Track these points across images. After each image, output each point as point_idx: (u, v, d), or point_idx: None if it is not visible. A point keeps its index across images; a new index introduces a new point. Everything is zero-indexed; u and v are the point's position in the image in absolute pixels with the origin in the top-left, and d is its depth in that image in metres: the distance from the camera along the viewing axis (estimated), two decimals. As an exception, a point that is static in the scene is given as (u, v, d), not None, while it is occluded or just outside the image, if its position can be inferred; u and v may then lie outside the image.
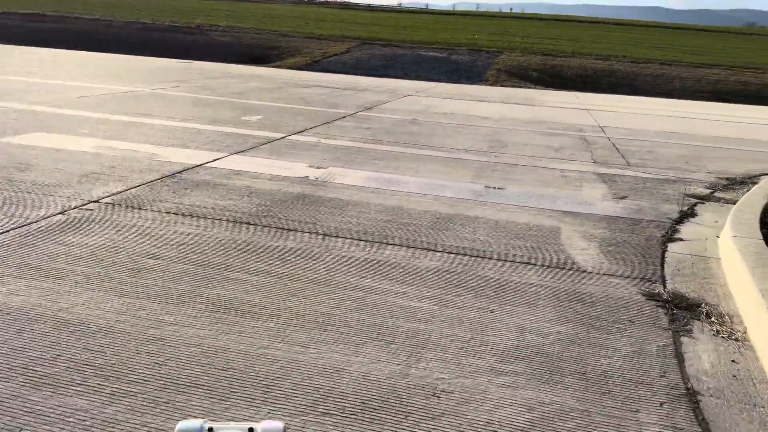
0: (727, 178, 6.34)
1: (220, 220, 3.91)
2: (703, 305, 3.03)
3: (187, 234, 3.60)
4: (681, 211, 4.91)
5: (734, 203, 5.20)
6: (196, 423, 0.94)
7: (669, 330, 2.79)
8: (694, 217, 4.77)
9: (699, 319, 2.90)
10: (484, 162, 6.43)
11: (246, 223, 3.88)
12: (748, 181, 6.22)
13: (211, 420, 1.13)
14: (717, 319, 2.88)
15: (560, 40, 33.14)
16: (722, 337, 2.73)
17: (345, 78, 17.25)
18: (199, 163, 5.39)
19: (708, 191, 5.70)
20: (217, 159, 5.63)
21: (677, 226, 4.48)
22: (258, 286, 2.95)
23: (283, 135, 7.14)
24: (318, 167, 5.64)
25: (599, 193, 5.38)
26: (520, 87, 19.02)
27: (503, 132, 8.68)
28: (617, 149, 7.69)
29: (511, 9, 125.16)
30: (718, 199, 5.40)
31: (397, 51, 23.89)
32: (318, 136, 7.23)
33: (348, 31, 30.38)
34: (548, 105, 13.25)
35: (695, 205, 5.16)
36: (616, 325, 2.81)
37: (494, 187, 5.35)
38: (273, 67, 20.49)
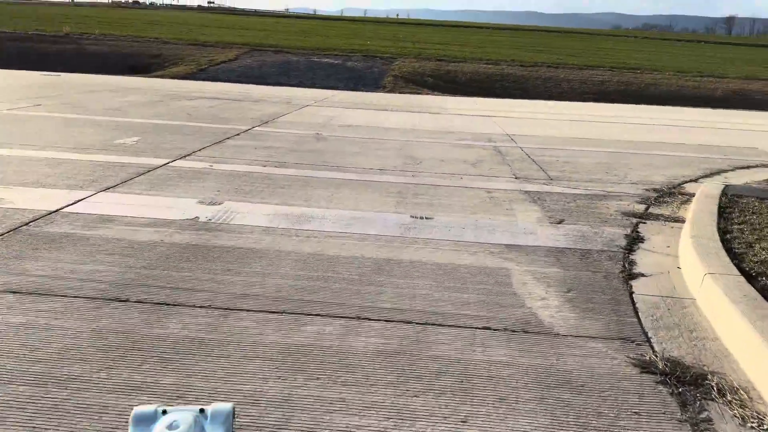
0: (654, 189, 6.05)
1: (77, 297, 2.89)
2: (709, 376, 2.46)
3: (26, 329, 2.57)
4: (627, 235, 4.45)
5: (675, 221, 4.85)
6: (150, 407, 1.01)
7: (686, 422, 2.18)
8: (642, 242, 4.32)
9: (713, 399, 2.32)
10: (403, 184, 5.73)
11: (114, 300, 2.89)
12: (675, 192, 5.96)
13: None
14: (734, 398, 2.31)
15: (450, 45, 33.53)
16: (751, 427, 2.15)
17: (235, 87, 16.06)
18: (55, 208, 4.26)
19: (642, 207, 5.34)
20: (81, 200, 4.51)
21: (630, 256, 3.98)
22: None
23: (166, 161, 6.06)
24: (211, 203, 4.68)
25: (534, 217, 4.84)
26: (418, 93, 18.68)
27: (414, 145, 8.06)
28: (534, 161, 7.28)
29: (397, 15, 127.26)
30: (657, 217, 5.02)
31: (290, 58, 22.89)
32: (208, 160, 6.22)
33: (235, 37, 28.92)
34: (451, 112, 12.88)
35: (637, 225, 4.74)
36: (623, 424, 2.15)
37: (422, 217, 4.65)
38: (154, 77, 18.82)
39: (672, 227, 4.71)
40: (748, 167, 7.67)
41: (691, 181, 6.59)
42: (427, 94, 18.85)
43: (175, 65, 20.88)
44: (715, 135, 10.93)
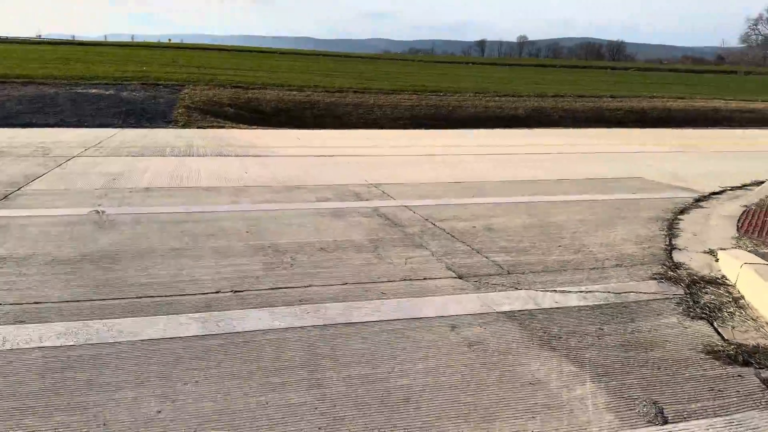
0: (666, 266, 4.13)
1: None
2: None
3: None
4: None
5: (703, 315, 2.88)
6: None
7: None
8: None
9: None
10: (284, 331, 3.02)
11: None
12: (639, 263, 4.10)
13: None
14: None
15: (242, 71, 30.63)
16: None
17: (-38, 134, 11.47)
18: None
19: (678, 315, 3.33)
20: None
21: None
22: None
23: None
24: None
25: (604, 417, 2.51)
26: (221, 127, 15.57)
27: (264, 220, 5.30)
28: (451, 235, 5.02)
29: (169, 40, 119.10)
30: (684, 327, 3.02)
31: (44, 90, 18.09)
32: None
33: (-36, 65, 22.71)
34: (279, 153, 10.19)
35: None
36: None
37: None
38: None
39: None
40: (699, 200, 6.28)
41: (674, 248, 4.84)
42: (232, 127, 15.83)
43: None
44: (587, 163, 9.82)
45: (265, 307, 3.35)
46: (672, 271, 4.04)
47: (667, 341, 3.02)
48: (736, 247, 4.56)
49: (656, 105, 24.56)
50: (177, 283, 3.65)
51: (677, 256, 4.45)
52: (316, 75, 30.31)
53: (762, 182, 8.08)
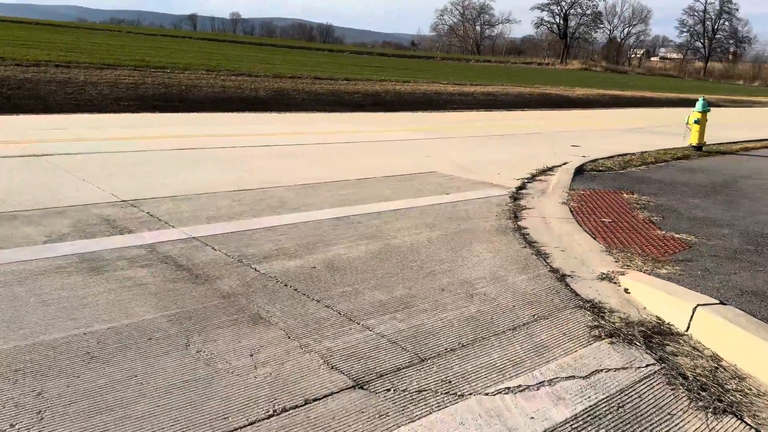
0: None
1: None
2: None
3: None
4: None
5: None
6: None
7: None
8: None
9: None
10: None
11: None
12: (556, 308, 3.22)
13: None
14: None
15: None
16: None
17: None
18: None
19: None
20: None
21: None
22: None
23: None
24: None
25: None
26: None
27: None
28: (293, 288, 3.43)
29: None
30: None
31: None
32: None
33: None
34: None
35: None
36: None
37: None
38: None
39: None
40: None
41: (563, 276, 3.97)
42: None
43: None
44: (370, 156, 8.79)
45: None
46: (603, 319, 3.13)
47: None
48: (623, 267, 3.91)
49: (388, 88, 25.25)
50: None
51: (580, 290, 3.60)
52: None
53: (545, 170, 8.07)
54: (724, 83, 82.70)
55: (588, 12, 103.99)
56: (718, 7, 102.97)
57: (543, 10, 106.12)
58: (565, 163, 8.72)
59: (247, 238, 4.34)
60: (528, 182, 7.24)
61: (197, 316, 3.00)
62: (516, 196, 6.39)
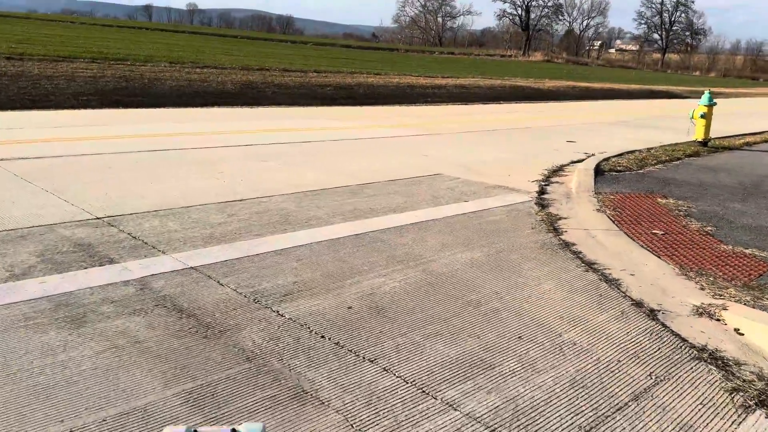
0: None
1: None
2: None
3: None
4: None
5: None
6: (180, 428, 1.07)
7: None
8: None
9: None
10: None
11: None
12: (686, 382, 2.59)
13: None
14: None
15: None
16: None
17: None
18: None
19: None
20: None
21: None
22: None
23: None
24: None
25: None
26: None
27: None
28: (336, 344, 2.69)
29: None
30: None
31: None
32: None
33: None
34: None
35: None
36: None
37: None
38: None
39: None
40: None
41: (654, 312, 3.32)
42: None
43: None
44: (365, 156, 8.03)
45: None
46: (733, 375, 2.49)
47: None
48: (715, 297, 3.29)
49: (360, 81, 24.42)
50: None
51: (682, 331, 2.96)
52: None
53: (556, 170, 7.47)
54: (681, 74, 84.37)
55: (549, 4, 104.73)
56: (674, 0, 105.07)
57: (505, 2, 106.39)
58: (573, 162, 8.15)
59: (257, 267, 3.56)
60: (545, 185, 6.61)
61: (221, 393, 2.23)
62: (541, 202, 5.75)
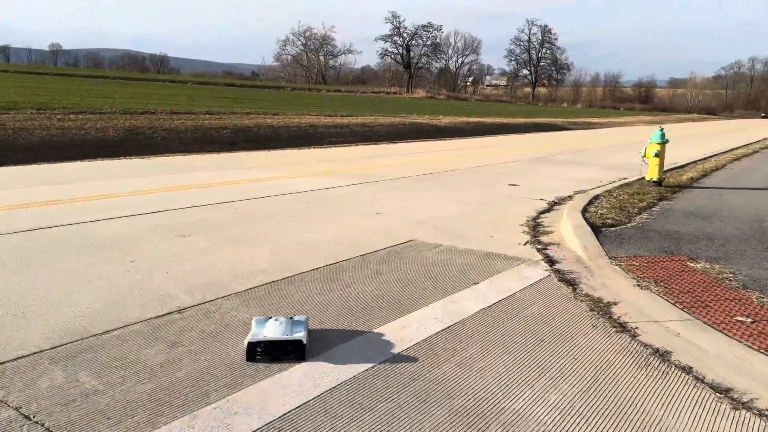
0: None
1: None
2: None
3: None
4: None
5: None
6: (263, 317, 3.10)
7: None
8: None
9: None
10: None
11: None
12: None
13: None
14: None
15: None
16: None
17: None
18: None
19: None
20: None
21: None
22: None
23: None
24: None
25: None
26: None
27: None
28: None
29: None
30: None
31: None
32: None
33: None
34: None
35: None
36: None
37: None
38: None
39: None
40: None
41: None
42: None
43: None
44: (310, 220, 6.50)
45: None
46: None
47: None
48: None
49: (259, 122, 22.83)
50: None
51: None
52: None
53: (535, 226, 6.42)
54: (551, 106, 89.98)
55: (428, 43, 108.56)
56: (540, 38, 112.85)
57: (386, 41, 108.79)
58: (541, 213, 7.22)
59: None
60: (540, 248, 5.51)
61: None
62: (563, 276, 4.61)
